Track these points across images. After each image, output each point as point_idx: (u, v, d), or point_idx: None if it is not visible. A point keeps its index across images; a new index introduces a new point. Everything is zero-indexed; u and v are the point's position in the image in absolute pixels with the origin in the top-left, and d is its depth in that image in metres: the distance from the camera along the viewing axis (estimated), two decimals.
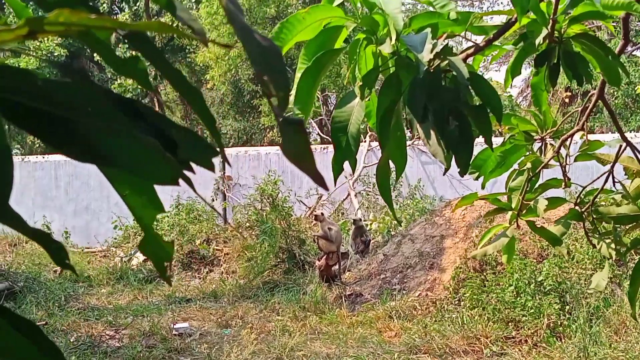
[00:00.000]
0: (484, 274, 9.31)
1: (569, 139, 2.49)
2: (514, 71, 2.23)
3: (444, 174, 2.00)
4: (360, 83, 1.88)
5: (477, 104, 1.87)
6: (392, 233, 12.82)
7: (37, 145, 28.01)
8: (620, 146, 2.51)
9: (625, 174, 2.58)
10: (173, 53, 29.73)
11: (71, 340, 8.48)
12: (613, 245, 2.56)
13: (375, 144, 16.29)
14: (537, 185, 2.69)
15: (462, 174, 1.86)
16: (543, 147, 2.67)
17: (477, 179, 2.70)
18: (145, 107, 0.72)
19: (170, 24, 0.71)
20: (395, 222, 13.66)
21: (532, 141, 2.66)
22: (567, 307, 8.43)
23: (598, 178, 2.60)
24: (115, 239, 15.82)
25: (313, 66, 1.93)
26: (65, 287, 11.69)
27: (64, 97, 0.69)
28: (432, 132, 1.80)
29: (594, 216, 2.56)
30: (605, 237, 2.58)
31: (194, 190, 0.76)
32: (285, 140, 0.70)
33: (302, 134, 0.69)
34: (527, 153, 2.62)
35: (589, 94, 2.39)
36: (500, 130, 2.73)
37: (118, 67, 0.77)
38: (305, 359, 7.95)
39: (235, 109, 27.35)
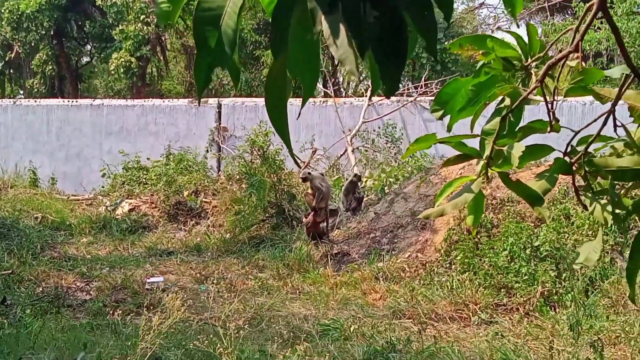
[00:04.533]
0: (478, 236, 8.77)
1: (559, 65, 1.88)
2: None
3: (369, 97, 1.40)
4: None
5: None
6: (387, 191, 12.24)
7: (36, 90, 27.40)
8: (626, 77, 1.89)
9: (630, 116, 1.98)
10: None
11: (37, 292, 8.00)
12: (609, 208, 1.96)
13: (376, 99, 15.54)
14: (517, 128, 2.10)
15: (387, 93, 1.27)
16: (527, 79, 2.07)
17: (440, 118, 2.11)
18: None
19: None
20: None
21: (513, 71, 2.07)
22: (564, 274, 7.87)
23: (595, 120, 2.00)
24: (103, 187, 15.33)
25: None
26: (44, 235, 11.24)
27: None
28: (341, 28, 1.21)
29: (587, 169, 1.96)
30: (600, 197, 1.99)
31: None
32: None
33: None
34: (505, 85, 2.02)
35: (584, 13, 1.77)
36: (474, 57, 2.12)
37: None
38: (282, 319, 7.47)
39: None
